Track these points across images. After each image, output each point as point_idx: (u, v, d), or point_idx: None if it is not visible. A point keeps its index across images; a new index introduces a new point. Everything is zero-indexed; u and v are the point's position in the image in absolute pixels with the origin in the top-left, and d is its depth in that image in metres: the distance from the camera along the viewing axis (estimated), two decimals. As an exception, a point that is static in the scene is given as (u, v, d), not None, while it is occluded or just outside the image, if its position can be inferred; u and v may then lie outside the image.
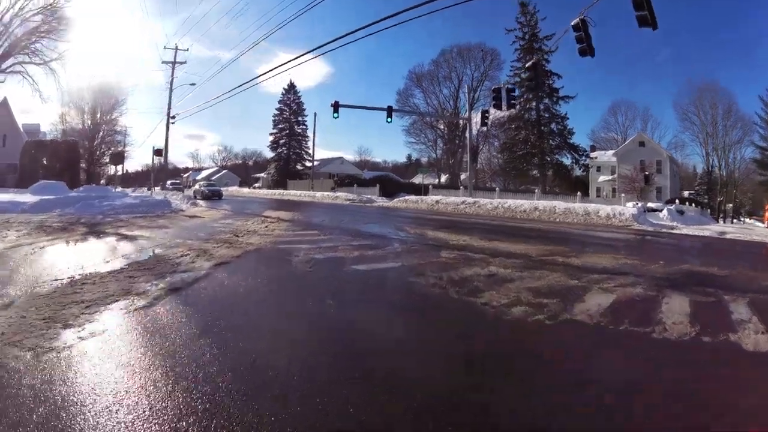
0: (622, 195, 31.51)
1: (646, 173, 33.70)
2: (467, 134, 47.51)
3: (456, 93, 65.91)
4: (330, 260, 8.19)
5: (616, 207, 24.53)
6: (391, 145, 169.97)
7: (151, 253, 8.37)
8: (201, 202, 30.20)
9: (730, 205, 47.79)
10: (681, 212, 29.64)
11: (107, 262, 7.41)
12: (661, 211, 28.95)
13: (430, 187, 40.39)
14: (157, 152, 40.70)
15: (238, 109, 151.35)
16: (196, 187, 44.19)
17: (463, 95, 64.23)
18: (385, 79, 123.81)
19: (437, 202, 30.13)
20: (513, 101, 26.74)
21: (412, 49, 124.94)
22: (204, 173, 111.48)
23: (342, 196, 40.26)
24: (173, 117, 41.26)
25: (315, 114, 61.09)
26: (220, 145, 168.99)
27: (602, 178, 63.36)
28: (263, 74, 75.99)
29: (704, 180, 65.53)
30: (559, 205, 24.97)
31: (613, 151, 65.74)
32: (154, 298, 5.27)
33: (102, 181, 68.12)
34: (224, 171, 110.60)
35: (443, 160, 68.69)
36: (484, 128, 53.72)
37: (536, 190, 34.14)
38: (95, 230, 12.01)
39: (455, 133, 66.82)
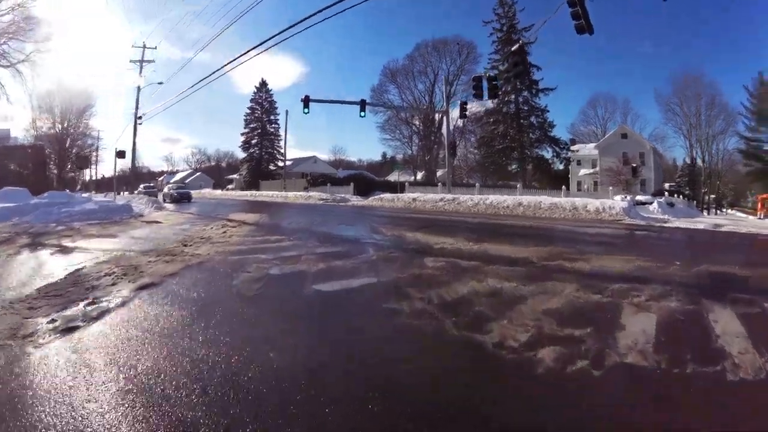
0: (610, 188, 30.43)
1: (634, 165, 32.57)
2: (444, 129, 46.36)
3: (432, 88, 64.52)
4: (287, 277, 6.70)
5: (606, 201, 23.49)
6: (366, 144, 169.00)
7: (72, 272, 6.93)
8: (169, 206, 28.84)
9: (712, 196, 47.01)
10: (671, 204, 28.91)
11: (15, 287, 6.12)
12: (650, 204, 28.15)
13: (407, 184, 38.80)
14: (120, 154, 38.50)
15: (212, 110, 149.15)
16: (165, 190, 42.55)
17: (438, 90, 63.43)
18: (361, 77, 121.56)
19: (414, 199, 28.59)
20: (495, 90, 25.24)
21: (388, 48, 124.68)
22: (178, 176, 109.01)
23: (315, 195, 38.52)
24: (140, 117, 39.24)
25: (287, 111, 59.58)
26: (194, 147, 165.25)
27: (583, 171, 62.44)
28: (231, 62, 73.21)
29: (685, 172, 64.99)
30: (545, 200, 23.87)
31: (594, 144, 64.98)
32: (35, 346, 3.86)
33: (78, 187, 66.12)
34: (198, 173, 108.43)
35: (419, 157, 67.12)
36: (463, 121, 52.66)
37: (518, 185, 32.91)
38: (36, 242, 10.69)
39: (431, 129, 65.41)
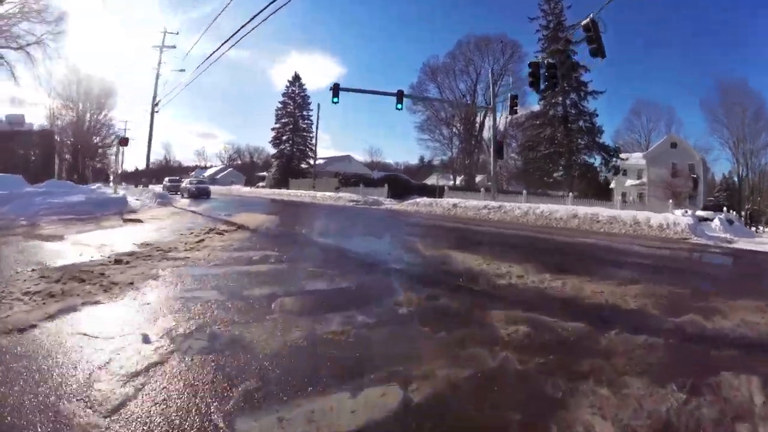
0: (670, 201, 27.51)
1: (694, 176, 29.40)
2: (489, 127, 43.70)
3: (473, 88, 61.87)
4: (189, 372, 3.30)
5: (668, 216, 20.98)
6: (403, 146, 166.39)
7: None
8: (181, 201, 27.11)
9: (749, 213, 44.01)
10: (730, 222, 26.27)
11: None
12: (711, 220, 25.55)
13: (446, 188, 36.29)
14: (122, 142, 36.92)
15: (249, 107, 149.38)
16: (184, 184, 40.69)
17: (480, 91, 60.84)
18: (400, 76, 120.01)
19: (455, 205, 26.22)
20: (554, 79, 22.46)
21: (429, 47, 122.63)
22: (209, 171, 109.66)
23: (345, 196, 36.38)
24: (157, 104, 37.50)
25: (318, 105, 57.28)
26: (228, 143, 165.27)
27: (629, 182, 59.26)
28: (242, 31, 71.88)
29: (723, 186, 61.35)
30: (602, 212, 21.57)
31: (642, 154, 61.72)
32: None
33: (109, 177, 65.27)
34: (229, 169, 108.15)
35: (458, 161, 64.47)
36: (505, 124, 50.04)
37: (569, 195, 30.16)
38: None
39: (471, 131, 62.75)
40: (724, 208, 35.51)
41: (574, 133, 49.46)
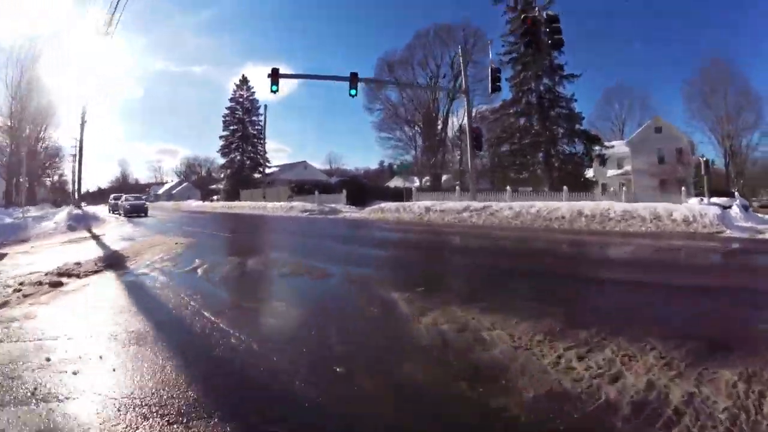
0: (683, 190, 23.57)
1: (705, 158, 25.49)
2: (453, 123, 39.20)
3: (435, 81, 57.25)
4: None
5: (693, 207, 17.72)
6: (363, 152, 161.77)
7: None
8: (111, 223, 24.22)
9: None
10: (746, 208, 22.71)
11: None
12: (729, 208, 21.59)
13: (414, 190, 31.46)
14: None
15: (206, 121, 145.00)
16: (119, 202, 36.40)
17: (443, 84, 56.41)
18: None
19: (428, 209, 21.69)
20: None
21: (386, 40, 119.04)
22: (164, 188, 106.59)
23: (298, 206, 31.45)
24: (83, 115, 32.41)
25: (265, 106, 52.43)
26: (184, 157, 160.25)
27: (610, 172, 55.17)
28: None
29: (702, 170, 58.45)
30: (614, 207, 17.50)
31: (624, 141, 58.02)
32: None
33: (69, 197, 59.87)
34: (185, 184, 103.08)
35: (421, 161, 59.54)
36: (476, 111, 45.29)
37: (564, 189, 25.77)
38: None
39: (434, 129, 58.15)
40: (736, 194, 31.59)
41: (552, 121, 45.23)
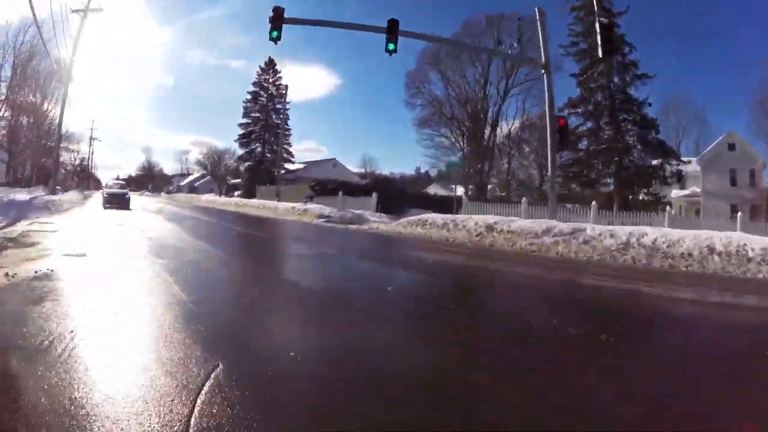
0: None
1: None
2: (502, 126, 32.48)
3: (485, 77, 50.89)
4: None
5: None
6: (400, 157, 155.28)
7: None
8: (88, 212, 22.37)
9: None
10: None
11: None
12: None
13: (463, 199, 24.67)
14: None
15: (238, 114, 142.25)
16: (102, 191, 32.52)
17: (494, 80, 50.84)
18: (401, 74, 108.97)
19: (491, 228, 15.03)
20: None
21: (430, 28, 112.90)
22: (189, 179, 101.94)
23: (314, 210, 24.75)
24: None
25: (286, 86, 46.78)
26: (211, 150, 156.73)
27: (675, 192, 47.53)
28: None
29: None
30: (753, 242, 11.52)
31: (696, 158, 50.45)
32: None
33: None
34: (207, 177, 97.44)
35: (466, 168, 52.67)
36: (525, 116, 38.67)
37: (668, 210, 19.26)
38: None
39: (480, 132, 51.34)
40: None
41: (622, 128, 38.28)
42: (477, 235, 14.87)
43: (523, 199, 21.59)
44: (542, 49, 19.49)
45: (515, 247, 13.56)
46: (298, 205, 27.32)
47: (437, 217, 17.14)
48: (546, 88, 18.99)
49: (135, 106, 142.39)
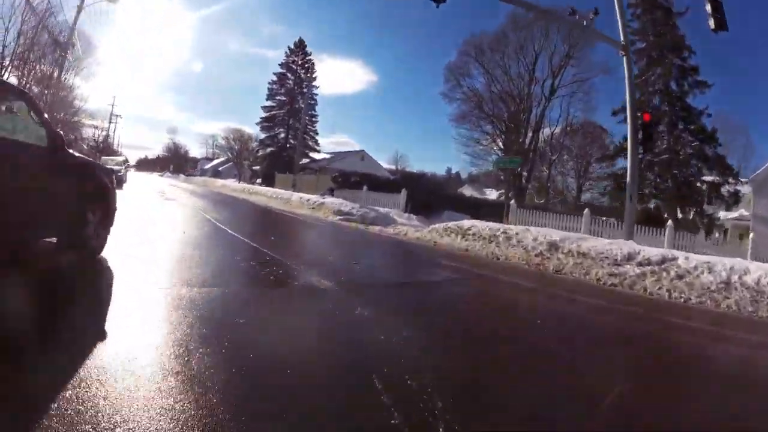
0: None
1: None
2: (544, 127, 29.08)
3: (531, 74, 47.10)
4: None
5: None
6: (431, 157, 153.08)
7: None
8: None
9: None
10: None
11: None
12: None
13: (512, 206, 20.95)
14: None
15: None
16: None
17: (540, 77, 47.23)
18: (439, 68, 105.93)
19: (554, 247, 11.73)
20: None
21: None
22: (213, 163, 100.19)
23: (332, 204, 21.25)
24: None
25: (312, 63, 42.90)
26: (238, 134, 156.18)
27: (724, 214, 43.30)
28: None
29: None
30: None
31: (747, 179, 46.29)
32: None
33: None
34: (230, 163, 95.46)
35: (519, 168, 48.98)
36: (569, 121, 34.95)
37: (751, 237, 16.01)
38: None
39: (523, 132, 47.48)
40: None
41: (679, 138, 34.32)
42: (537, 255, 11.33)
43: (586, 211, 17.86)
44: (620, 27, 15.98)
45: (589, 277, 10.06)
46: (314, 198, 23.96)
47: (483, 226, 13.54)
48: (626, 75, 15.46)
49: (166, 89, 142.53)
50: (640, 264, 10.33)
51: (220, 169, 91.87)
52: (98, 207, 6.39)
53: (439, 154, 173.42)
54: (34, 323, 3.41)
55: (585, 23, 16.05)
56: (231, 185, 45.52)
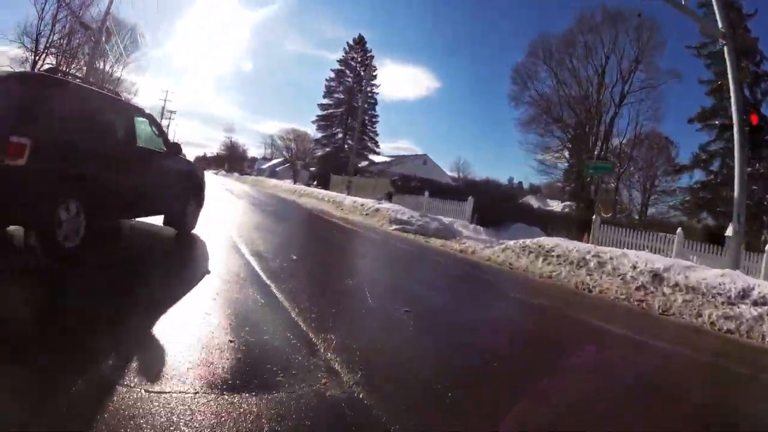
0: None
1: None
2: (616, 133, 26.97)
3: (601, 75, 44.93)
4: None
5: None
6: (493, 167, 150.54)
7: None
8: None
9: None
10: None
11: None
12: None
13: (597, 222, 18.69)
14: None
15: None
16: None
17: (609, 82, 44.68)
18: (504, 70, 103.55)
19: (658, 278, 10.03)
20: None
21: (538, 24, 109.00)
22: (271, 163, 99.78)
23: (388, 211, 19.55)
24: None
25: (372, 57, 41.36)
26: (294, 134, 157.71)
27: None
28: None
29: None
30: None
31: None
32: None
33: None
34: (288, 164, 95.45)
35: (569, 180, 47.00)
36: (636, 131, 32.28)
37: None
38: None
39: (591, 141, 44.87)
40: None
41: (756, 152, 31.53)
42: (638, 289, 9.39)
43: (679, 230, 15.47)
44: (717, 12, 13.92)
45: (701, 320, 8.05)
46: (370, 203, 22.41)
47: (569, 247, 11.55)
48: (729, 67, 13.44)
49: (227, 89, 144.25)
50: (755, 303, 8.30)
51: (277, 169, 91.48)
52: (195, 197, 9.44)
53: (502, 163, 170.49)
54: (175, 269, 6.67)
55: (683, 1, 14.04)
56: (283, 186, 44.77)
